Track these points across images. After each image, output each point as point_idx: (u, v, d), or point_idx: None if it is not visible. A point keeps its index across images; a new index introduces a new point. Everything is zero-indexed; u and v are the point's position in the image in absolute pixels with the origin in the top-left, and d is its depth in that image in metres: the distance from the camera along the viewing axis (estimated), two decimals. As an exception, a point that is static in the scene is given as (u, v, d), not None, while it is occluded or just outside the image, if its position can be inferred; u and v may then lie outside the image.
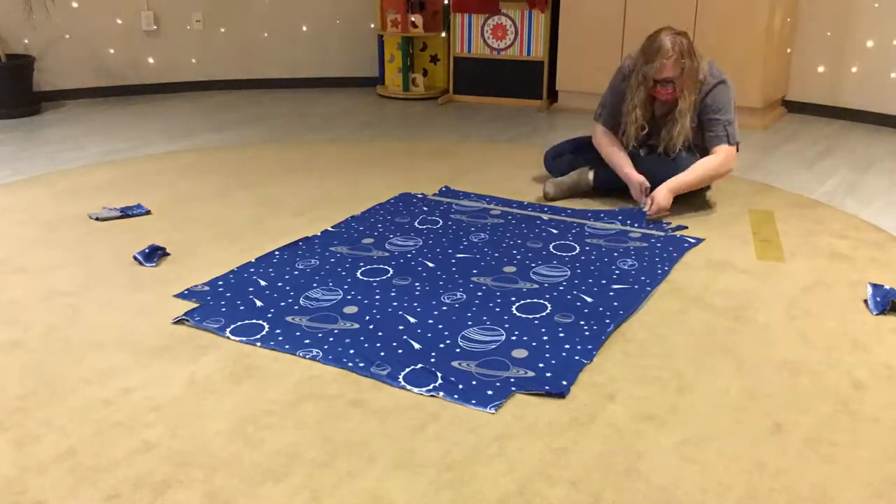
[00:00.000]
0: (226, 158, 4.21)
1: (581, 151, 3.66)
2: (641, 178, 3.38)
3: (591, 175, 3.55)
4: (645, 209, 3.30)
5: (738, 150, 3.41)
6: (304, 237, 3.06)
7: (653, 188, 3.34)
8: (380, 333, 2.32)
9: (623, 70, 3.46)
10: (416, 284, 2.66)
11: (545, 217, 3.32)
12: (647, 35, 3.34)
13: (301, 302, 2.52)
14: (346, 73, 6.21)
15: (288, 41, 6.10)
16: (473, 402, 1.98)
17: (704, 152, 3.43)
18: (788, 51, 5.23)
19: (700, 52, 3.35)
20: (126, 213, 3.31)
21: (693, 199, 3.54)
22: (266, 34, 6.06)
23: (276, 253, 2.91)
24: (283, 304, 2.51)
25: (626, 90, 3.41)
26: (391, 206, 3.44)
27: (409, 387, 2.05)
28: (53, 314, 2.45)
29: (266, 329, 2.34)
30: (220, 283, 2.66)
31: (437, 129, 4.98)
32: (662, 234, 3.13)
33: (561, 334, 2.32)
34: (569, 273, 2.76)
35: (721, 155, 3.35)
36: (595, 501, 1.64)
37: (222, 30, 5.96)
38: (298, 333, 2.32)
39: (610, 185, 3.52)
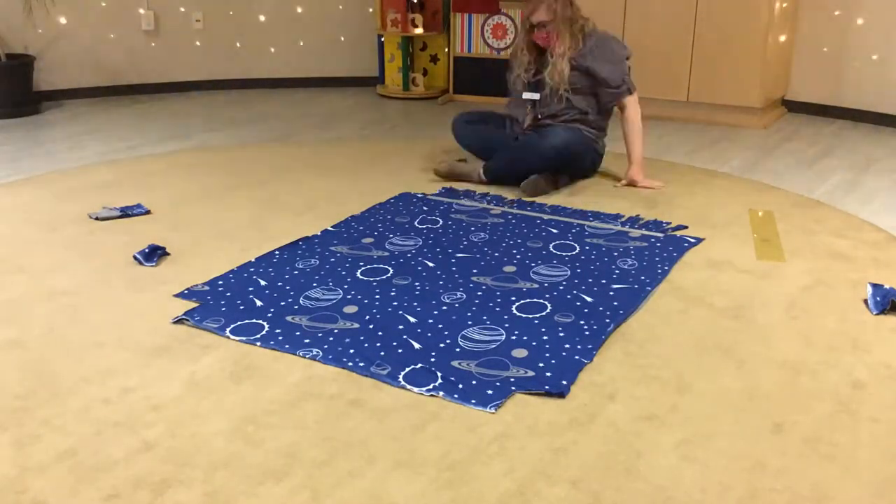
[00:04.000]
0: (226, 158, 4.21)
1: (490, 121, 3.89)
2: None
3: (481, 170, 3.71)
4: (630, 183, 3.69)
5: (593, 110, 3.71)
6: (304, 237, 3.06)
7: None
8: (380, 333, 2.32)
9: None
10: (416, 284, 2.66)
11: (545, 217, 3.32)
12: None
13: (301, 301, 2.52)
14: (346, 73, 6.21)
15: (288, 41, 6.10)
16: (473, 401, 1.98)
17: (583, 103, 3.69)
18: (788, 51, 5.23)
19: (584, 14, 3.69)
20: (126, 213, 3.31)
21: (693, 199, 3.55)
22: (266, 34, 6.06)
23: (276, 253, 2.91)
24: (283, 303, 2.51)
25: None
26: (391, 205, 3.44)
27: (409, 386, 2.05)
28: (53, 314, 2.45)
29: (266, 329, 2.34)
30: (220, 282, 2.66)
31: (437, 128, 4.98)
32: (662, 234, 3.13)
33: (561, 334, 2.32)
34: (569, 273, 2.76)
35: (631, 106, 3.70)
36: (595, 501, 1.64)
37: (222, 30, 5.96)
38: (298, 333, 2.32)
39: (500, 180, 3.69)
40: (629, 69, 3.70)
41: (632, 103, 3.69)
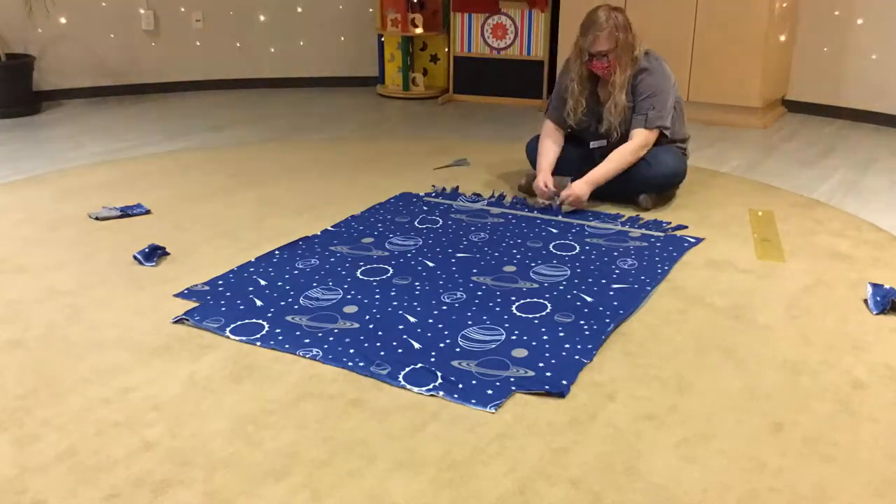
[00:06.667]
0: (226, 158, 4.21)
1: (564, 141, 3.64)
2: (548, 179, 3.40)
3: (570, 183, 3.43)
4: (558, 201, 3.36)
5: (662, 133, 3.38)
6: (304, 237, 3.06)
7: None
8: (380, 333, 2.32)
9: (567, 62, 3.52)
10: (416, 284, 2.66)
11: (545, 217, 3.32)
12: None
13: (301, 301, 2.52)
14: (346, 73, 6.21)
15: (288, 41, 6.10)
16: (473, 401, 1.98)
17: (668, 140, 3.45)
18: (788, 51, 5.23)
19: (639, 36, 3.38)
20: (126, 212, 3.31)
21: (693, 199, 3.54)
22: (266, 34, 6.06)
23: (276, 252, 2.91)
24: (283, 303, 2.51)
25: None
26: (391, 205, 3.44)
27: (409, 386, 2.05)
28: (53, 314, 2.45)
29: (266, 328, 2.34)
30: (220, 282, 2.66)
31: (437, 128, 4.98)
32: (662, 233, 3.13)
33: (561, 334, 2.32)
34: (569, 272, 2.76)
35: (636, 138, 3.35)
36: (595, 501, 1.64)
37: (222, 30, 5.96)
38: (298, 333, 2.32)
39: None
40: (664, 101, 3.35)
41: (637, 136, 3.34)
